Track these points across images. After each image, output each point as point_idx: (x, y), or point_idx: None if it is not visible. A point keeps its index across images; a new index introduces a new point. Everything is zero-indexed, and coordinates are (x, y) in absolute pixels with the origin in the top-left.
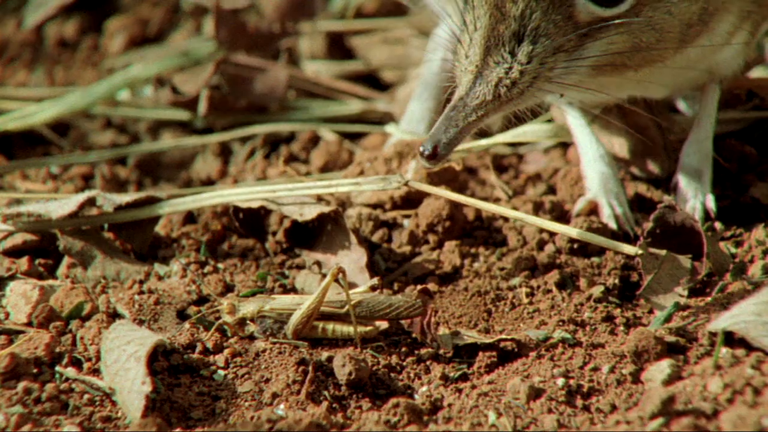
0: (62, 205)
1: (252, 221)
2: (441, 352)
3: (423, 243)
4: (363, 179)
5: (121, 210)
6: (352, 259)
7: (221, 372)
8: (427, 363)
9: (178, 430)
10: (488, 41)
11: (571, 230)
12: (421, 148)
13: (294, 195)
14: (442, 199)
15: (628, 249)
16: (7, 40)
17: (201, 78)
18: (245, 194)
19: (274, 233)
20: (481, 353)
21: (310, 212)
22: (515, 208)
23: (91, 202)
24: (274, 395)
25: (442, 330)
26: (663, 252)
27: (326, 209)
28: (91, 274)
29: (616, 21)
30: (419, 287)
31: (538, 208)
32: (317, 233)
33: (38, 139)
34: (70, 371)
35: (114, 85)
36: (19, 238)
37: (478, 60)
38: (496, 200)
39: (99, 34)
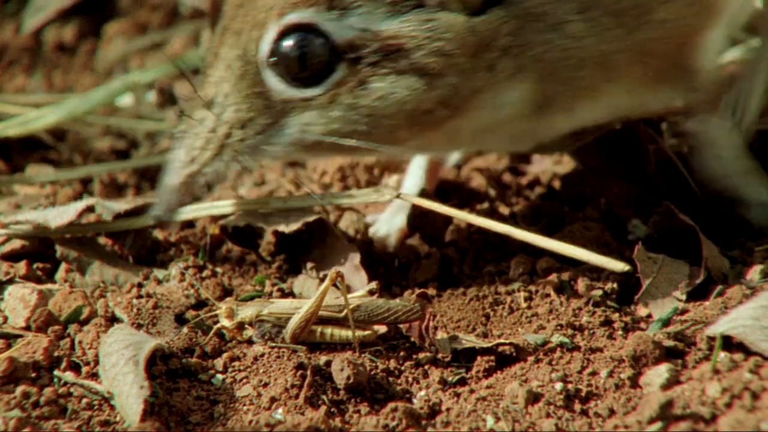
0: (60, 213)
1: (243, 235)
2: (439, 356)
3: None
4: (357, 191)
5: (119, 218)
6: (346, 258)
7: (219, 376)
8: (426, 367)
9: None
10: (194, 105)
11: (565, 247)
12: (153, 220)
13: (288, 206)
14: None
15: (616, 266)
16: (5, 44)
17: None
18: (241, 206)
19: (268, 244)
20: (479, 357)
21: (295, 224)
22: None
23: (89, 209)
24: (273, 399)
25: (441, 334)
26: (660, 256)
27: (311, 218)
28: (89, 278)
29: (312, 103)
30: (417, 291)
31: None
32: (309, 240)
33: (37, 144)
34: (69, 375)
35: (113, 91)
36: (17, 243)
37: (184, 122)
38: (493, 212)
39: (97, 38)
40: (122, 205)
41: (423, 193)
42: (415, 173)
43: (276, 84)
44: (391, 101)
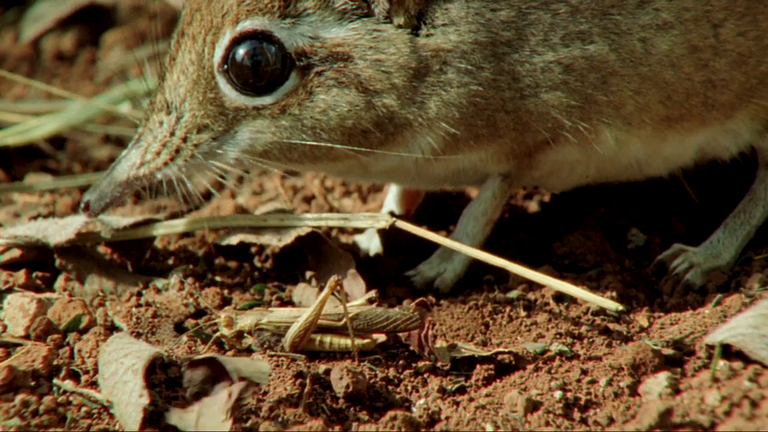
0: (60, 229)
1: (237, 252)
2: (438, 364)
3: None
4: (352, 215)
5: (118, 232)
6: (342, 267)
7: None
8: (425, 376)
9: None
10: (150, 109)
11: (561, 285)
12: (81, 201)
13: (283, 225)
14: None
15: (610, 305)
16: (4, 53)
17: None
18: (237, 221)
19: (265, 259)
20: (478, 366)
21: (288, 238)
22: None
23: (88, 224)
24: (272, 408)
25: (440, 343)
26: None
27: (303, 232)
28: (88, 287)
29: (262, 112)
30: (417, 300)
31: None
32: (303, 252)
33: (36, 153)
34: (68, 384)
35: (112, 100)
36: (16, 252)
37: (141, 123)
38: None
39: (96, 47)
40: (121, 220)
41: (395, 215)
42: (393, 191)
43: (228, 91)
44: (332, 116)
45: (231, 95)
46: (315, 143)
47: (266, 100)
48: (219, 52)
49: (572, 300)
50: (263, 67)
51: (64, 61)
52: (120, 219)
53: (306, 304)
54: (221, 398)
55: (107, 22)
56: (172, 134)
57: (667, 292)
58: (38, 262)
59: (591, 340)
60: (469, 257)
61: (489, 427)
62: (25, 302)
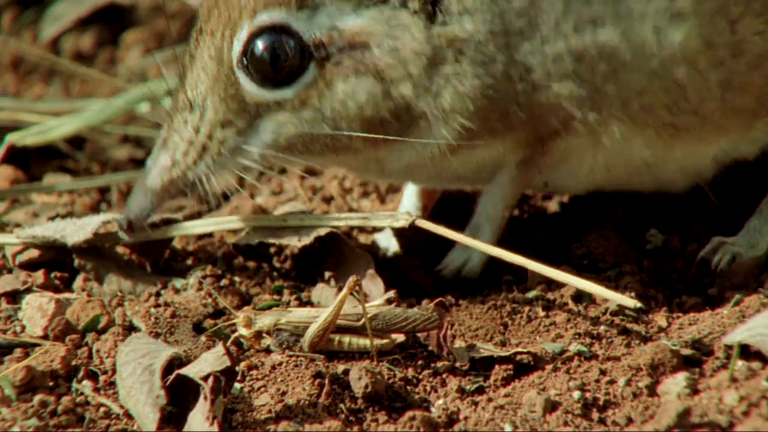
0: (77, 229)
1: (256, 252)
2: (457, 365)
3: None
4: (371, 214)
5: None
6: (361, 267)
7: (237, 385)
8: (444, 376)
9: None
10: (173, 107)
11: (577, 281)
12: (117, 224)
13: (303, 225)
14: None
15: (629, 303)
16: (23, 53)
17: None
18: (257, 221)
19: (284, 260)
20: (497, 366)
21: (307, 238)
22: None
23: (106, 224)
24: (291, 408)
25: (459, 343)
26: None
27: (323, 232)
28: (107, 287)
29: (284, 105)
30: (435, 300)
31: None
32: (323, 252)
33: (55, 153)
34: (86, 385)
35: (132, 100)
36: (34, 252)
37: (165, 126)
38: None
39: (115, 47)
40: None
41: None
42: (410, 191)
43: (249, 86)
44: (351, 105)
45: (251, 90)
46: (336, 133)
47: (286, 93)
48: (237, 47)
49: (591, 300)
50: (282, 61)
51: (83, 60)
52: None
53: (325, 304)
54: (202, 405)
55: (126, 21)
56: (197, 131)
57: (715, 293)
58: (57, 262)
59: (610, 340)
60: (492, 238)
61: (508, 427)
62: (43, 302)
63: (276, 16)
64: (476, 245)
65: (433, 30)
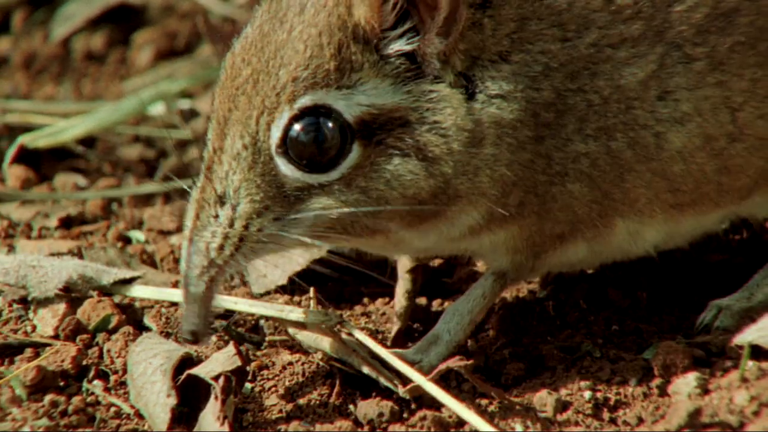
0: (40, 282)
1: None
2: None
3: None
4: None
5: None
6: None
7: (248, 385)
8: (454, 374)
9: None
10: (199, 205)
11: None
12: (182, 339)
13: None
14: None
15: None
16: (34, 52)
17: None
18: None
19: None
20: (508, 366)
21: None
22: None
23: (70, 281)
24: (301, 408)
25: (470, 342)
26: None
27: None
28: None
29: (329, 188)
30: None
31: None
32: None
33: (66, 153)
34: (97, 385)
35: (143, 101)
36: (45, 250)
37: (189, 227)
38: None
39: (126, 47)
40: (107, 275)
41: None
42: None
43: (290, 171)
44: (395, 185)
45: (293, 175)
46: (377, 216)
47: (332, 175)
48: (276, 133)
49: (603, 300)
50: (325, 142)
51: (94, 60)
52: (104, 273)
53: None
54: (212, 405)
55: (137, 21)
56: (232, 225)
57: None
58: None
59: (621, 340)
60: (446, 352)
61: (518, 427)
62: (54, 302)
63: (317, 97)
64: (412, 376)
65: (474, 105)
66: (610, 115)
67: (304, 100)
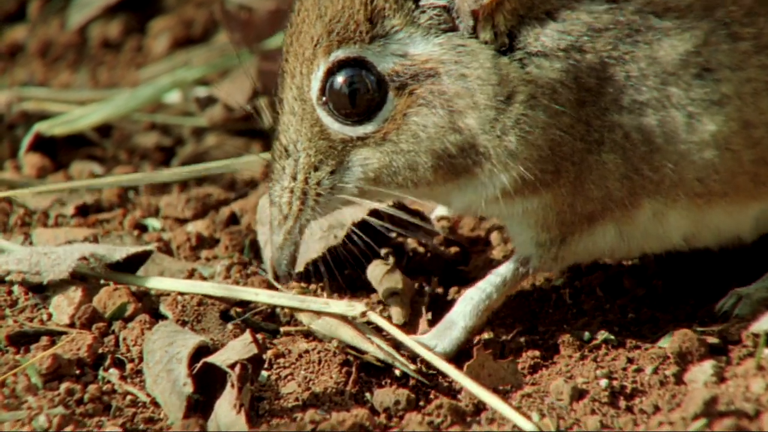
0: (52, 265)
1: None
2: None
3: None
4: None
5: (115, 267)
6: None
7: (265, 373)
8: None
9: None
10: (272, 157)
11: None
12: (269, 276)
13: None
14: None
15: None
16: (51, 40)
17: (245, 90)
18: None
19: None
20: (524, 354)
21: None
22: None
23: (83, 259)
24: (318, 396)
25: (486, 330)
26: None
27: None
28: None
29: (366, 141)
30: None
31: None
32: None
33: (82, 141)
34: (113, 373)
35: (160, 89)
36: (62, 238)
37: (269, 179)
38: None
39: (143, 34)
40: (119, 252)
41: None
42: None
43: (330, 123)
44: (422, 137)
45: (334, 127)
46: (414, 168)
47: (368, 128)
48: (316, 85)
49: (619, 288)
50: (361, 95)
51: (111, 48)
52: (116, 251)
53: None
54: (228, 392)
55: (154, 9)
56: (294, 178)
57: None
58: None
59: (637, 328)
60: (462, 338)
61: (534, 415)
62: (70, 290)
63: (350, 51)
64: (433, 360)
65: (502, 61)
66: (645, 90)
67: (339, 53)
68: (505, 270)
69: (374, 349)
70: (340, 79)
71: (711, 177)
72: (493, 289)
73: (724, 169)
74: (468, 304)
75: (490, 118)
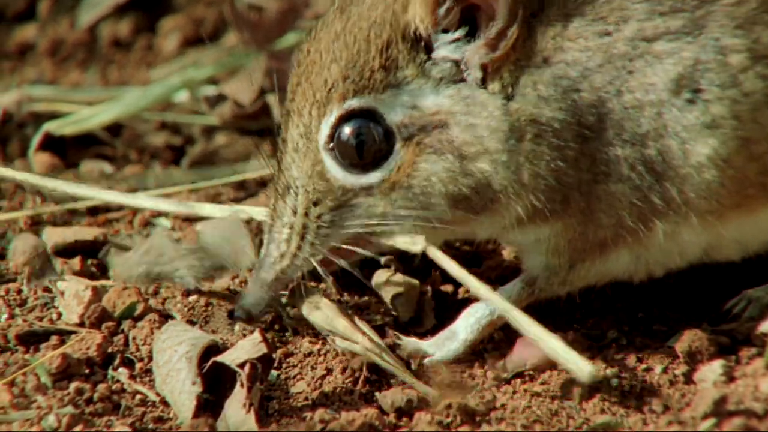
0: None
1: None
2: (495, 351)
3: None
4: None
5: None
6: None
7: (274, 372)
8: (481, 363)
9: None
10: (274, 195)
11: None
12: (235, 315)
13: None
14: None
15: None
16: (60, 39)
17: (254, 88)
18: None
19: None
20: None
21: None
22: None
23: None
24: (328, 396)
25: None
26: None
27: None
28: None
29: (372, 190)
30: None
31: None
32: None
33: (92, 140)
34: (122, 373)
35: (170, 88)
36: (71, 238)
37: (268, 215)
38: None
39: (153, 33)
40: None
41: None
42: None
43: (334, 170)
44: (434, 182)
45: (337, 174)
46: (426, 213)
47: (373, 177)
48: (325, 130)
49: (629, 287)
50: (369, 146)
51: (121, 47)
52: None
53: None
54: (238, 392)
55: (164, 8)
56: (295, 213)
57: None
58: (93, 250)
59: (648, 327)
60: (461, 350)
61: (544, 415)
62: (79, 289)
63: (364, 101)
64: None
65: (511, 106)
66: (643, 121)
67: (353, 102)
68: (510, 288)
69: (364, 340)
70: (347, 130)
71: (718, 194)
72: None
73: (731, 185)
74: (471, 318)
75: (503, 160)
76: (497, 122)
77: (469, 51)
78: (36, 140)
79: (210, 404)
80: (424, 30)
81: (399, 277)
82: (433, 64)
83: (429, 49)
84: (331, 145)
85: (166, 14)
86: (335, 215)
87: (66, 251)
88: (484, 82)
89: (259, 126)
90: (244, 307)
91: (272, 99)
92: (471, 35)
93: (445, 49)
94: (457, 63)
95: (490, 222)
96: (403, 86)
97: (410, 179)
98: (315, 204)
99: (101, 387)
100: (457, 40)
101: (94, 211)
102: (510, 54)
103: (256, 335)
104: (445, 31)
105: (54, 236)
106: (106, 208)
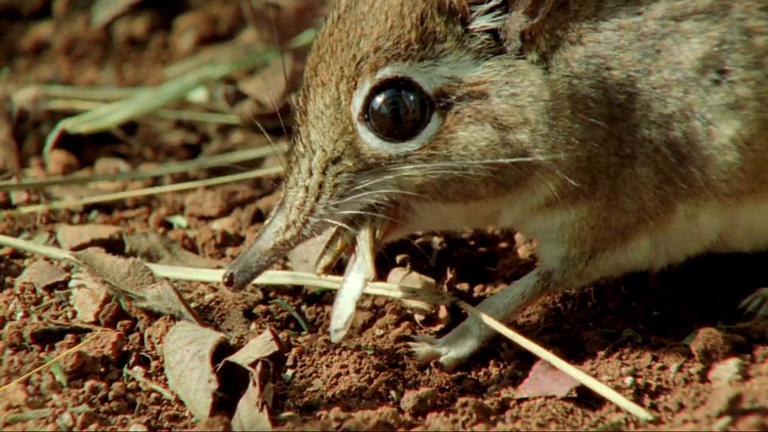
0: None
1: None
2: (510, 350)
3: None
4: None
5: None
6: None
7: (289, 371)
8: (496, 362)
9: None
10: (287, 167)
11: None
12: (221, 277)
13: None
14: None
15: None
16: (76, 37)
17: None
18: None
19: None
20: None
21: None
22: None
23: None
24: (343, 394)
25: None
26: None
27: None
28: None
29: (409, 158)
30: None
31: None
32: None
33: (107, 138)
34: (137, 371)
35: (185, 86)
36: (86, 237)
37: (283, 189)
38: None
39: (168, 32)
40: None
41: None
42: None
43: (370, 139)
44: (473, 150)
45: (373, 143)
46: (465, 181)
47: (412, 145)
48: (359, 101)
49: (644, 286)
50: (405, 114)
51: (136, 45)
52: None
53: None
54: (251, 391)
55: (179, 6)
56: (311, 174)
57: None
58: (109, 248)
59: (662, 326)
60: (477, 346)
61: (559, 414)
62: (95, 288)
63: (398, 69)
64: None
65: (551, 77)
66: (670, 102)
67: (386, 71)
68: (526, 281)
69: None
70: (383, 98)
71: (737, 177)
72: (511, 300)
73: (750, 168)
74: (485, 312)
75: (542, 133)
76: (538, 91)
77: (509, 19)
78: (52, 138)
79: (225, 403)
80: (458, 2)
81: (415, 275)
82: (471, 36)
83: (464, 22)
84: (366, 115)
85: (181, 12)
86: (356, 177)
87: (82, 249)
88: (521, 52)
89: (275, 125)
90: (232, 271)
91: (293, 98)
92: (503, 6)
93: (482, 18)
94: (495, 33)
95: (521, 200)
96: (441, 58)
97: (449, 147)
98: (334, 162)
99: (116, 385)
100: (492, 9)
101: (110, 209)
102: (546, 21)
103: (267, 334)
104: (479, 2)
105: (69, 235)
106: (122, 206)
